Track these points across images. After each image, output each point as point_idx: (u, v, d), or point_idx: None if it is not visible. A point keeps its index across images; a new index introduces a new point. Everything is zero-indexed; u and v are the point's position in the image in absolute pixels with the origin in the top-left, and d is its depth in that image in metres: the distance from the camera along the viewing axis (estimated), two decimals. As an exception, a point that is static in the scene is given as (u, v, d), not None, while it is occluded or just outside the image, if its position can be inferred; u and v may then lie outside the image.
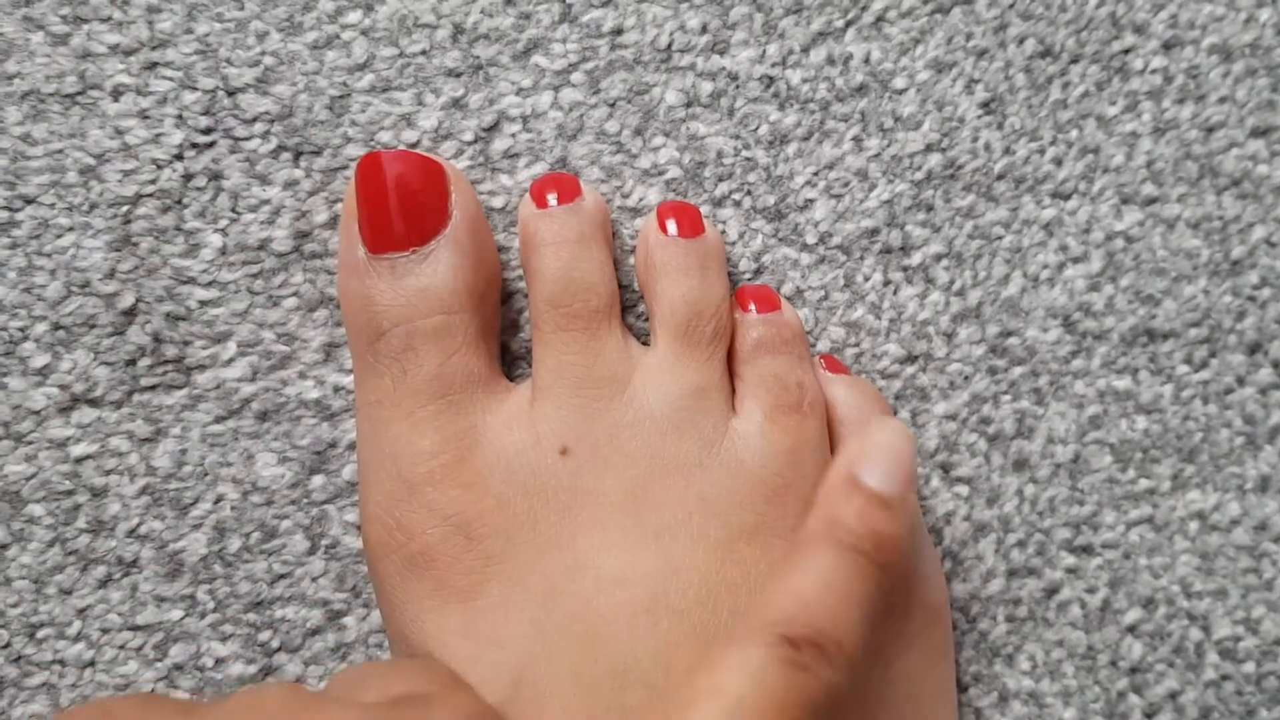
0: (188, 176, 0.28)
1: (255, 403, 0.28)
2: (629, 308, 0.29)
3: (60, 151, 0.28)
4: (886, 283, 0.30)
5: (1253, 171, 0.30)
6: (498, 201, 0.29)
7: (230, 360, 0.28)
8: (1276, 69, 0.30)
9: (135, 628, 0.28)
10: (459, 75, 0.29)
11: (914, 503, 0.22)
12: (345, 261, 0.26)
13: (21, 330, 0.28)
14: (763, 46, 0.29)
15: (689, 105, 0.29)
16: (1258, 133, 0.30)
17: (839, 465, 0.22)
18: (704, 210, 0.29)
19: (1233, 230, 0.30)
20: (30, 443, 0.28)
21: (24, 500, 0.28)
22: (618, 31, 0.29)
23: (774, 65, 0.29)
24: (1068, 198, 0.30)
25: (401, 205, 0.26)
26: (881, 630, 0.26)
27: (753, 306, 0.28)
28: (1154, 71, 0.30)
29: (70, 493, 0.28)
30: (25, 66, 0.28)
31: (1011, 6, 0.30)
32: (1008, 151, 0.30)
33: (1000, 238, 0.30)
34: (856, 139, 0.30)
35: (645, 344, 0.28)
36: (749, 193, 0.29)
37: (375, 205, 0.26)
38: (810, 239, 0.30)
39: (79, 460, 0.28)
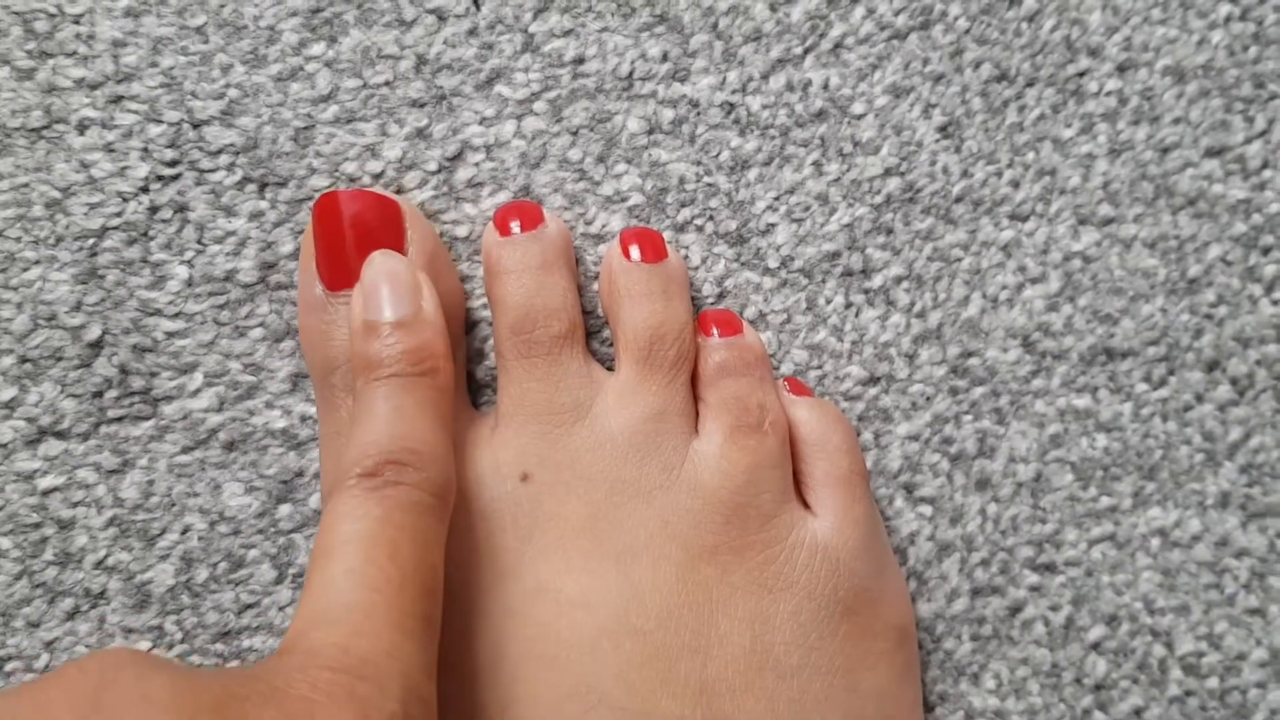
0: (153, 209, 0.28)
1: (222, 433, 0.28)
2: (594, 333, 0.29)
3: (26, 185, 0.28)
4: (848, 305, 0.30)
5: (1208, 191, 0.31)
6: (462, 230, 0.29)
7: (197, 391, 0.28)
8: (1229, 90, 0.31)
9: (103, 659, 0.28)
10: (422, 105, 0.29)
11: (430, 313, 0.24)
12: (304, 298, 0.27)
13: (-12, 363, 0.28)
14: (723, 74, 0.30)
15: (651, 132, 0.30)
16: (1212, 153, 0.31)
17: (352, 320, 0.25)
18: (667, 236, 0.29)
19: (1189, 249, 0.31)
20: (-3, 475, 0.28)
21: (-9, 533, 0.28)
22: (579, 61, 0.29)
23: (734, 92, 0.30)
24: (1025, 219, 0.31)
25: (358, 243, 0.26)
26: (850, 651, 0.27)
27: (715, 330, 0.29)
28: (1109, 94, 0.31)
29: (37, 525, 0.28)
30: (-9, 102, 0.28)
31: (967, 32, 0.30)
32: (965, 174, 0.30)
33: (959, 260, 0.30)
34: (816, 164, 0.30)
35: (610, 369, 0.29)
36: (711, 218, 0.30)
37: (331, 244, 0.26)
38: (772, 263, 0.30)
39: (46, 493, 0.28)
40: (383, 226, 0.26)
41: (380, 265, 0.25)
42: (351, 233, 0.26)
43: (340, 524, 0.21)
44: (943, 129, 0.30)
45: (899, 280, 0.30)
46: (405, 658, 0.20)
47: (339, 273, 0.26)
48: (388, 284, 0.25)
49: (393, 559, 0.21)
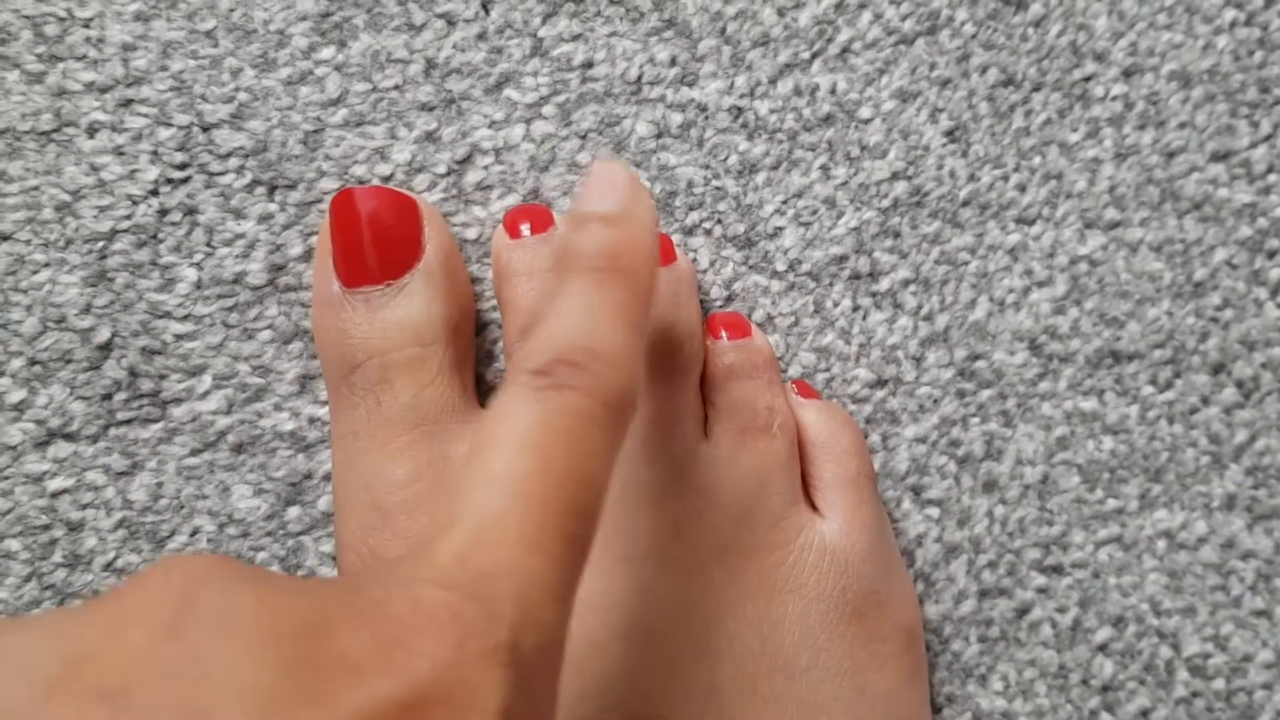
0: (163, 212, 0.28)
1: (231, 435, 0.28)
2: (602, 336, 0.29)
3: (36, 188, 0.28)
4: (855, 308, 0.30)
5: (1213, 195, 0.31)
6: (471, 233, 0.29)
7: (206, 393, 0.28)
8: (1234, 94, 0.31)
9: (112, 661, 0.28)
10: (432, 109, 0.29)
11: (642, 216, 0.22)
12: (320, 295, 0.27)
13: (-2, 366, 0.28)
14: (731, 78, 0.30)
15: (659, 136, 0.30)
16: (1217, 157, 0.31)
17: (565, 216, 0.23)
18: (675, 239, 0.30)
19: (1194, 253, 0.31)
20: (6, 478, 0.28)
21: (0, 535, 0.28)
22: (588, 65, 0.29)
23: (742, 96, 0.30)
24: (1032, 223, 0.31)
25: (375, 240, 0.26)
26: (858, 653, 0.27)
27: (724, 333, 0.29)
28: (1115, 98, 0.31)
29: (47, 527, 0.28)
30: (1, 105, 0.28)
31: (974, 37, 0.30)
32: (972, 178, 0.30)
33: (966, 263, 0.30)
34: (824, 168, 0.30)
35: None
36: (719, 221, 0.30)
37: (349, 240, 0.26)
38: (780, 266, 0.30)
39: (55, 495, 0.28)
40: (400, 224, 0.26)
41: (599, 168, 0.23)
42: (369, 230, 0.26)
43: (495, 425, 0.19)
44: (949, 133, 0.30)
45: (906, 283, 0.30)
46: (529, 576, 0.17)
47: (356, 269, 0.26)
48: (603, 182, 0.23)
49: (541, 467, 0.18)
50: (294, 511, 0.29)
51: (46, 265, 0.28)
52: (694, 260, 0.30)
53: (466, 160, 0.29)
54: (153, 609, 0.15)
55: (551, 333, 0.20)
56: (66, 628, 0.15)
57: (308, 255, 0.29)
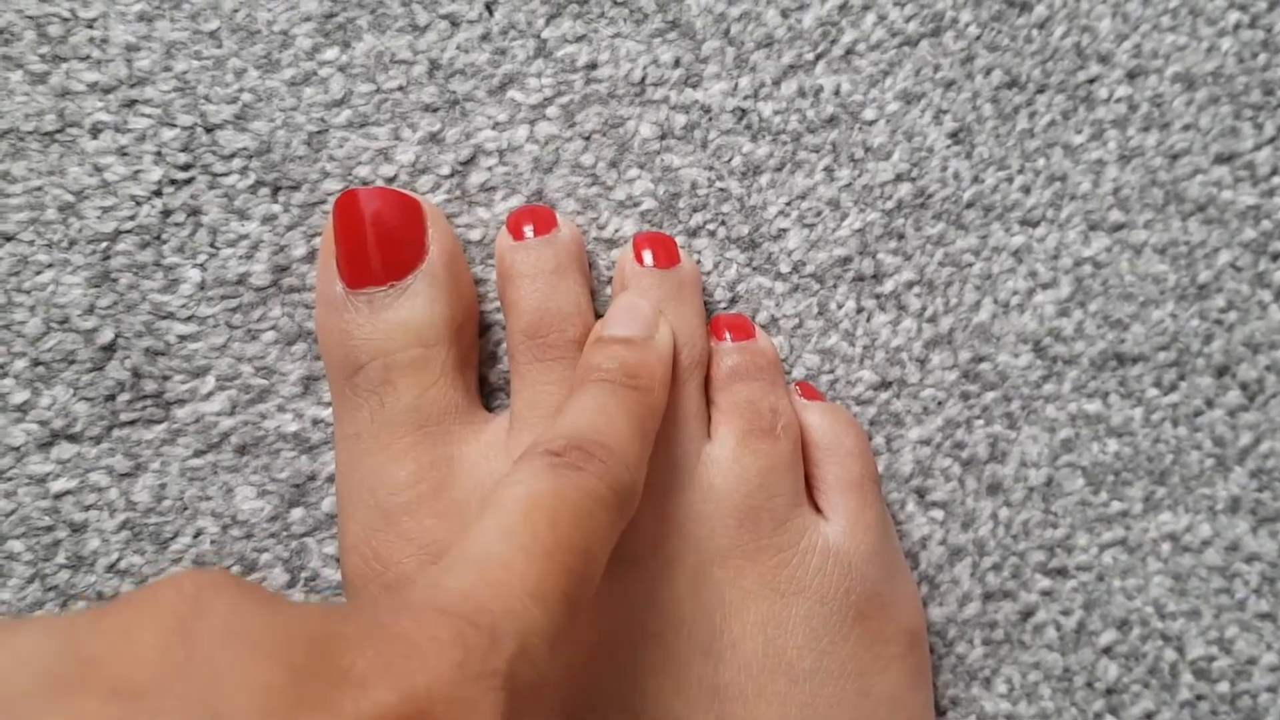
0: (166, 212, 0.28)
1: (234, 436, 0.28)
2: (606, 337, 0.29)
3: (39, 189, 0.28)
4: (859, 310, 0.30)
5: (1217, 197, 0.31)
6: (475, 234, 0.29)
7: (209, 394, 0.28)
8: (1239, 97, 0.31)
9: (115, 663, 0.28)
10: (435, 110, 0.29)
11: (659, 344, 0.26)
12: (323, 296, 0.27)
13: (0, 366, 0.28)
14: (735, 80, 0.30)
15: (663, 138, 0.30)
16: (1221, 159, 0.31)
17: (590, 338, 0.26)
18: (679, 241, 0.30)
19: (1199, 255, 0.31)
20: (9, 479, 0.28)
21: (3, 536, 0.28)
22: (592, 66, 0.29)
23: (746, 98, 0.30)
24: (1036, 225, 0.31)
25: (379, 241, 0.26)
26: (862, 655, 0.27)
27: (728, 335, 0.29)
28: (1119, 100, 0.31)
29: (50, 528, 0.28)
30: (4, 105, 0.28)
31: (978, 38, 0.30)
32: (976, 180, 0.30)
33: (970, 265, 0.30)
34: (828, 169, 0.30)
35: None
36: (723, 223, 0.30)
37: (353, 241, 0.26)
38: (784, 268, 0.30)
39: (58, 496, 0.28)
40: (403, 225, 0.26)
41: (624, 299, 0.27)
42: (373, 231, 0.26)
43: (511, 487, 0.20)
44: (954, 135, 0.30)
45: (910, 285, 0.30)
46: (529, 622, 0.18)
47: (360, 270, 0.26)
48: (627, 312, 0.26)
49: (551, 526, 0.20)
50: (297, 513, 0.29)
51: (50, 266, 0.28)
52: (698, 262, 0.30)
53: (470, 161, 0.29)
54: (164, 615, 0.15)
55: (569, 423, 0.23)
56: (78, 628, 0.15)
57: (311, 256, 0.29)
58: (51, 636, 0.15)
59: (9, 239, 0.28)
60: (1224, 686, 0.30)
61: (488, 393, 0.29)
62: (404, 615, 0.17)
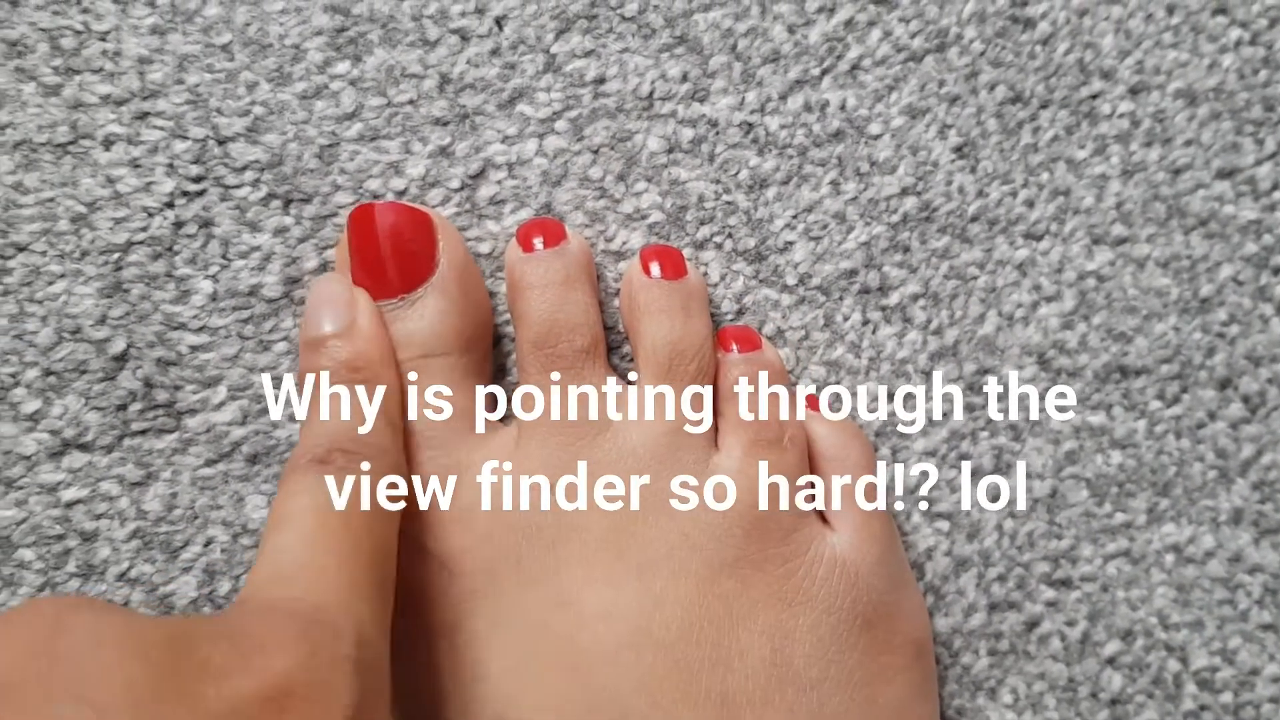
0: (178, 224, 0.29)
1: (245, 446, 0.29)
2: (614, 348, 0.30)
3: (52, 200, 0.28)
4: (865, 322, 0.30)
5: (1219, 212, 0.31)
6: (484, 247, 0.29)
7: (220, 404, 0.29)
8: (1240, 113, 0.31)
9: (124, 672, 0.28)
10: (445, 124, 0.29)
11: (364, 326, 0.26)
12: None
13: (13, 376, 0.28)
14: (742, 94, 0.30)
15: (670, 151, 0.30)
16: (1223, 174, 0.31)
17: (301, 342, 0.27)
18: (686, 253, 0.30)
19: (1201, 269, 0.31)
20: (21, 488, 0.28)
21: (14, 545, 0.28)
22: (600, 80, 0.30)
23: (753, 112, 0.30)
24: (1040, 238, 0.31)
25: (394, 254, 0.27)
26: (868, 665, 0.27)
27: (735, 346, 0.29)
28: (1122, 116, 0.31)
29: (61, 537, 0.28)
30: (17, 116, 0.28)
31: (982, 54, 0.31)
32: (981, 194, 0.31)
33: (975, 278, 0.31)
34: (834, 183, 0.30)
35: (631, 384, 0.29)
36: (730, 235, 0.30)
37: (369, 255, 0.27)
38: (790, 280, 0.30)
39: (69, 505, 0.28)
40: (416, 238, 0.27)
41: (318, 288, 0.27)
42: (388, 244, 0.27)
43: (295, 498, 0.22)
44: (958, 149, 0.31)
45: (916, 298, 0.31)
46: (359, 614, 0.20)
47: (376, 283, 0.27)
48: (328, 304, 0.26)
49: (346, 528, 0.22)
50: (307, 523, 0.29)
51: (62, 276, 0.28)
52: (705, 274, 0.30)
53: (480, 175, 0.29)
54: (20, 639, 0.17)
55: (321, 430, 0.24)
56: None
57: (323, 268, 0.29)
58: None
59: (22, 249, 0.28)
60: (1227, 697, 0.31)
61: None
62: (251, 618, 0.19)
